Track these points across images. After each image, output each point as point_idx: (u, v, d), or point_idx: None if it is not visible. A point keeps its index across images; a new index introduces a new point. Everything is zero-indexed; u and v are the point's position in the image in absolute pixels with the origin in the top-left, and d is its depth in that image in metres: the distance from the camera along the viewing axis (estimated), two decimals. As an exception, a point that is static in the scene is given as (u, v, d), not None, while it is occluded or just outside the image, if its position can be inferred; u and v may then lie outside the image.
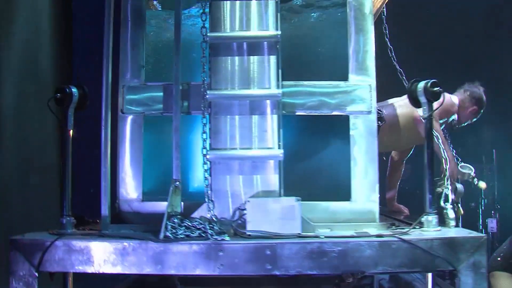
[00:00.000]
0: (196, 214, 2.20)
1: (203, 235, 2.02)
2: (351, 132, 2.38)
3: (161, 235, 2.00)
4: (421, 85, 2.24)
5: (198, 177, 2.53)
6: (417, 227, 2.19)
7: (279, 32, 2.29)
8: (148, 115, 2.47)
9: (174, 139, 2.27)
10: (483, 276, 1.95)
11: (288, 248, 1.93)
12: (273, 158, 2.27)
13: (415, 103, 2.33)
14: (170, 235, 2.01)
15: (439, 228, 2.17)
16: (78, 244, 2.00)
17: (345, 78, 2.42)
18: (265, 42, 2.31)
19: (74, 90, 2.35)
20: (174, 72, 2.30)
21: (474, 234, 2.09)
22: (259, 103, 2.30)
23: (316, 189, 2.48)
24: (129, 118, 2.47)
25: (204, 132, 2.25)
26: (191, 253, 1.94)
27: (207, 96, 2.24)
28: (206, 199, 2.19)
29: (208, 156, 2.22)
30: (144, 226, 2.25)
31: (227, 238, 1.99)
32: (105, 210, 2.29)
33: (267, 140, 2.28)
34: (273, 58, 2.31)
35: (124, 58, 2.49)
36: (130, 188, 2.46)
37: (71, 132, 2.36)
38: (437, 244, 1.94)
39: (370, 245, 1.94)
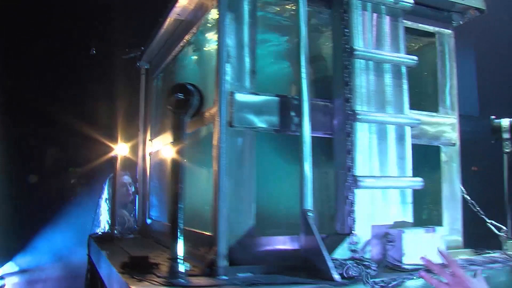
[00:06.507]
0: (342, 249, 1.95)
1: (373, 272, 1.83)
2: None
3: (336, 276, 1.73)
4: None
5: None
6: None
7: (416, 58, 2.24)
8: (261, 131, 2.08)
9: (304, 165, 1.92)
10: None
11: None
12: (415, 187, 2.17)
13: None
14: (345, 275, 1.76)
15: None
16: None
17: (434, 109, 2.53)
18: (403, 66, 2.23)
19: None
20: (301, 85, 1.98)
21: None
22: (399, 129, 2.18)
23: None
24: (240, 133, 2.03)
25: (349, 156, 2.00)
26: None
27: (359, 117, 2.03)
28: (350, 232, 1.97)
29: (361, 183, 1.99)
30: (260, 267, 1.90)
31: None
32: (223, 249, 1.86)
33: (405, 168, 2.18)
34: (405, 83, 2.24)
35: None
36: (243, 219, 1.99)
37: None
38: None
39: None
